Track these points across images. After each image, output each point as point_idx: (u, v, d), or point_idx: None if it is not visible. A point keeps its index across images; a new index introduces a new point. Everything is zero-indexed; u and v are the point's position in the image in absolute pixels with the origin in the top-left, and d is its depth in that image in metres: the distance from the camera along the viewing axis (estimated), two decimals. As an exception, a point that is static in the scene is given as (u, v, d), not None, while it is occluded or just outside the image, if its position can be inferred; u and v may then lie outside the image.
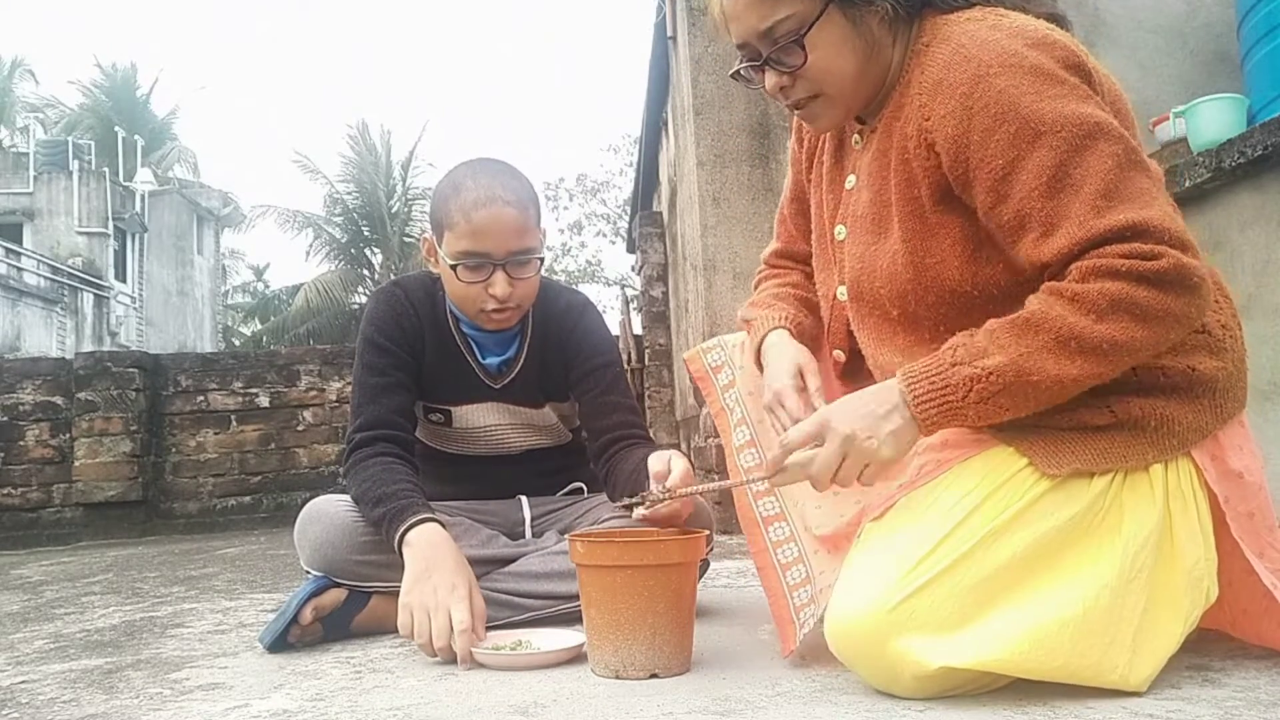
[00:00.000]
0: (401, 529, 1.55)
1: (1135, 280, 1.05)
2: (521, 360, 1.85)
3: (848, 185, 1.35)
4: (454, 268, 1.66)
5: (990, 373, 1.09)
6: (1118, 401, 1.15)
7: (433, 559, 1.50)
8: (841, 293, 1.37)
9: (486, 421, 1.87)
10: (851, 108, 1.29)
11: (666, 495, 1.38)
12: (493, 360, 1.84)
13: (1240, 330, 1.23)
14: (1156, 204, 1.08)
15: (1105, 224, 1.06)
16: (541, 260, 1.73)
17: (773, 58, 1.24)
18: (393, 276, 21.93)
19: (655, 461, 1.45)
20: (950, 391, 1.11)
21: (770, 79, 1.27)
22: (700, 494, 1.53)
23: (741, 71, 1.30)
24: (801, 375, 1.35)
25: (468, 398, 1.85)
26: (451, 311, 1.82)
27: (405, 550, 1.53)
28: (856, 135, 1.34)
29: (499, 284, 1.66)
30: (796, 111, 1.31)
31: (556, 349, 1.85)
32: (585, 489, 1.97)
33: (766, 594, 1.44)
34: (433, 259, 1.75)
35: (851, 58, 1.23)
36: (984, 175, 1.13)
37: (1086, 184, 1.08)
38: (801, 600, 1.39)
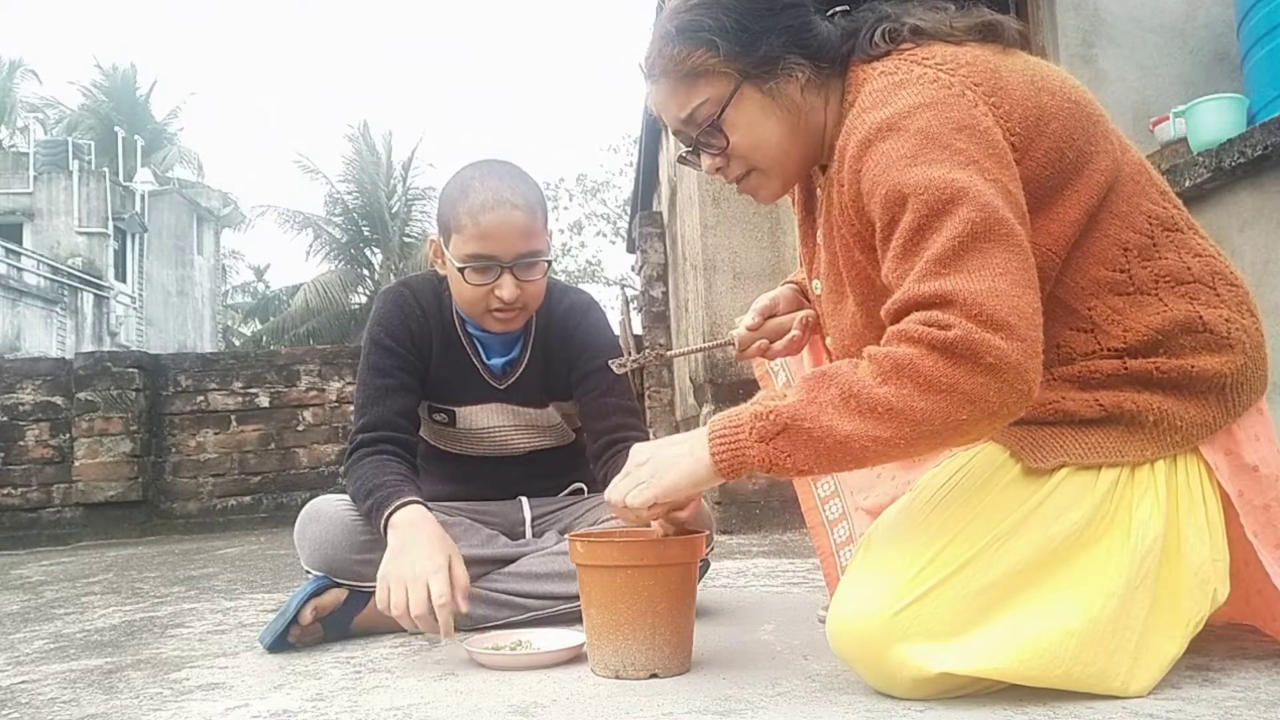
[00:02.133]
0: (386, 513, 1.57)
1: (925, 348, 1.01)
2: (525, 360, 1.85)
3: (819, 239, 1.35)
4: (461, 270, 1.66)
5: (770, 411, 1.08)
6: (1106, 395, 1.13)
7: (411, 536, 1.51)
8: (829, 341, 1.39)
9: (490, 423, 1.87)
10: (789, 176, 1.30)
11: (655, 353, 1.56)
12: (497, 361, 1.84)
13: (1252, 318, 1.19)
14: (989, 277, 1.01)
15: (921, 290, 1.04)
16: (549, 263, 1.73)
17: (700, 141, 1.27)
18: (393, 277, 21.98)
19: None
20: (738, 429, 1.10)
21: (705, 162, 1.29)
22: (687, 355, 1.81)
23: (685, 157, 1.33)
24: (776, 303, 1.51)
25: (472, 399, 1.85)
26: (457, 312, 1.82)
27: (389, 532, 1.55)
28: (819, 188, 1.33)
29: (506, 287, 1.66)
30: (737, 187, 1.32)
31: (560, 349, 1.85)
32: (586, 490, 1.97)
33: (818, 554, 1.59)
34: (439, 260, 1.76)
35: (775, 129, 1.23)
36: (877, 237, 1.13)
37: (930, 249, 1.04)
38: (841, 537, 1.55)
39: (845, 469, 1.13)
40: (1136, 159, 1.22)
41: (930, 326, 1.02)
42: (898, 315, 1.07)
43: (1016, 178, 1.09)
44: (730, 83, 1.22)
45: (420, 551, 1.48)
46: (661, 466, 1.17)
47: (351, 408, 6.07)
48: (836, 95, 1.24)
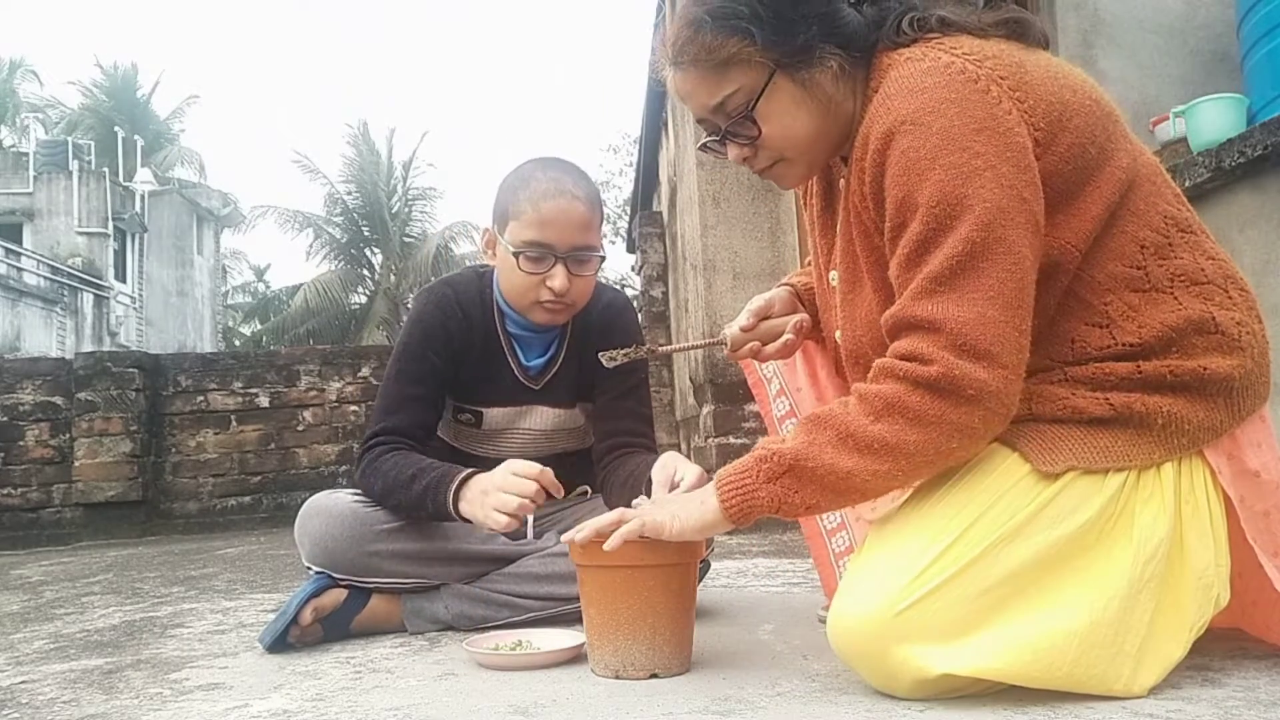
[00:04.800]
0: (453, 487, 1.59)
1: (910, 385, 1.07)
2: (561, 359, 1.85)
3: (838, 229, 1.34)
4: (516, 256, 1.67)
5: (775, 454, 1.13)
6: (1117, 395, 1.13)
7: (483, 486, 1.57)
8: (839, 335, 1.38)
9: (516, 425, 1.87)
10: (814, 163, 1.30)
11: (647, 348, 1.59)
12: (536, 362, 1.84)
13: (1260, 324, 1.19)
14: (979, 302, 1.05)
15: (914, 310, 1.09)
16: (602, 259, 1.74)
17: (730, 131, 1.25)
18: (393, 277, 21.98)
19: (660, 471, 1.47)
20: (745, 474, 1.15)
21: (732, 151, 1.28)
22: (678, 351, 1.85)
23: (709, 145, 1.31)
24: (771, 305, 1.49)
25: (502, 400, 1.84)
26: (499, 307, 1.81)
27: (463, 507, 1.58)
28: (842, 179, 1.32)
29: (558, 277, 1.66)
30: (761, 175, 1.32)
31: (596, 345, 1.84)
32: (589, 491, 1.97)
33: (813, 558, 1.60)
34: (491, 251, 1.76)
35: (807, 120, 1.22)
36: (886, 232, 1.15)
37: (928, 264, 1.08)
38: (840, 547, 1.55)
39: (851, 503, 1.19)
40: (1152, 161, 1.22)
41: (913, 362, 1.07)
42: (892, 331, 1.12)
43: (1034, 180, 1.09)
44: (764, 72, 1.20)
45: (490, 485, 1.56)
46: (679, 511, 1.23)
47: (352, 408, 6.11)
48: (862, 82, 1.23)
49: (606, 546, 1.23)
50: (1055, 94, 1.13)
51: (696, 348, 1.73)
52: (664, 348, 1.69)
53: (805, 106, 1.22)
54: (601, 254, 1.74)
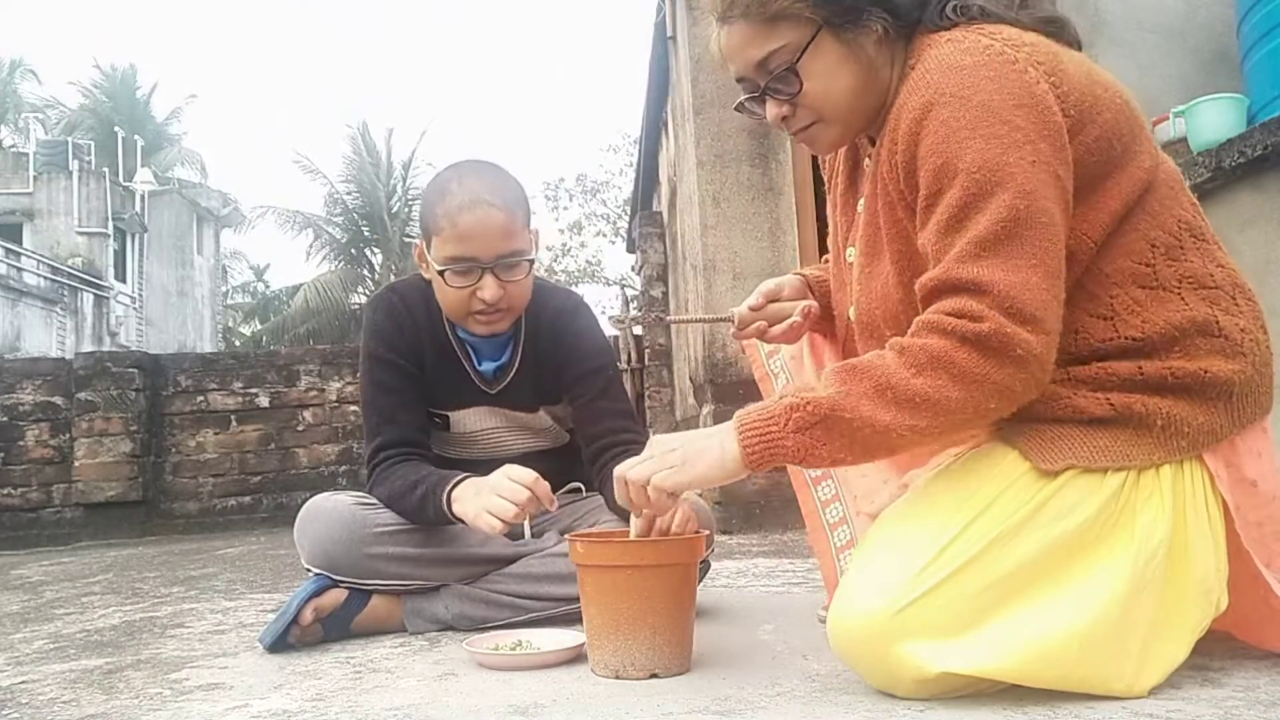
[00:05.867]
0: (446, 491, 1.60)
1: (958, 340, 1.06)
2: (516, 365, 1.84)
3: (859, 207, 1.35)
4: (442, 273, 1.65)
5: (807, 403, 1.10)
6: (1118, 396, 1.14)
7: (475, 485, 1.59)
8: (851, 313, 1.38)
9: (483, 425, 1.87)
10: (850, 128, 1.30)
11: (655, 315, 1.68)
12: (489, 366, 1.83)
13: (1264, 334, 1.20)
14: (1023, 268, 1.06)
15: (959, 273, 1.08)
16: (532, 262, 1.72)
17: (770, 87, 1.26)
18: (393, 277, 21.96)
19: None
20: (772, 421, 1.12)
21: (771, 109, 1.28)
22: (690, 322, 1.93)
23: (745, 104, 1.33)
24: (781, 289, 1.51)
25: (464, 402, 1.84)
26: (447, 317, 1.81)
27: (454, 505, 1.59)
28: (868, 158, 1.34)
29: (488, 288, 1.65)
30: (796, 136, 1.33)
31: (550, 352, 1.84)
32: (583, 489, 1.97)
33: (815, 554, 1.57)
34: (424, 265, 1.75)
35: (848, 80, 1.23)
36: (919, 201, 1.15)
37: (971, 230, 1.08)
38: (841, 541, 1.52)
39: (877, 458, 1.16)
40: (1173, 169, 1.24)
41: (962, 319, 1.06)
42: (933, 293, 1.11)
43: (1068, 160, 1.11)
44: (810, 28, 1.21)
45: (482, 487, 1.57)
46: (691, 456, 1.17)
47: (352, 408, 6.10)
48: (901, 60, 1.25)
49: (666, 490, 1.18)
50: (1087, 87, 1.15)
51: (705, 321, 1.75)
52: (671, 318, 1.72)
53: (847, 66, 1.23)
54: (530, 257, 1.70)
